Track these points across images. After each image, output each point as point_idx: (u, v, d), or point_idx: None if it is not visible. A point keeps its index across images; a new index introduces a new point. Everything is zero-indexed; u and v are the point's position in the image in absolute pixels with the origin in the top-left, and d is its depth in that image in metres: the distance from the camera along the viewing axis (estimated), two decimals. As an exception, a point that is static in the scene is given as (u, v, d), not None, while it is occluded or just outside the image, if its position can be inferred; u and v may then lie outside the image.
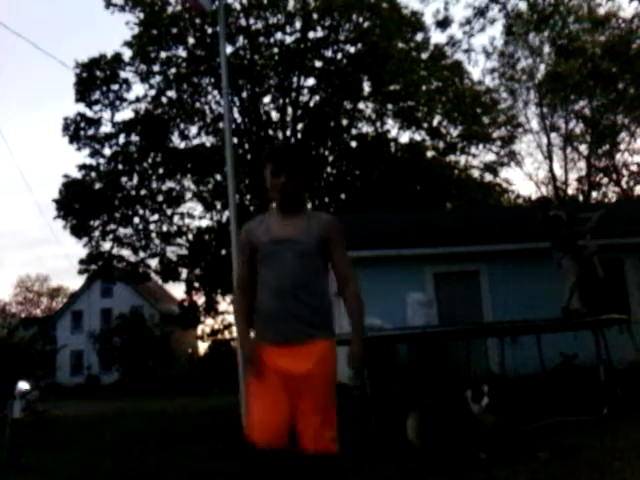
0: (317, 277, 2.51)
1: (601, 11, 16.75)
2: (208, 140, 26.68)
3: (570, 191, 29.98)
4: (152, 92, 26.07)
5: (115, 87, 25.89)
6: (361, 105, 27.36)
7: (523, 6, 13.49)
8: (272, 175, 2.54)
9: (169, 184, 27.15)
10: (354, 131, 27.63)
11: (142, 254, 27.23)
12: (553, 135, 29.40)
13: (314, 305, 2.46)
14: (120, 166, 26.15)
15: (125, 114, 55.58)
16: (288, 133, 26.61)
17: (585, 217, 9.08)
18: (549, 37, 16.90)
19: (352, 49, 26.18)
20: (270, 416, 2.38)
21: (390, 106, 26.71)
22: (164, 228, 27.43)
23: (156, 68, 25.75)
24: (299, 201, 2.58)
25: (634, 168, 28.83)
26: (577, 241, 8.51)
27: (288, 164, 2.52)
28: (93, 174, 26.26)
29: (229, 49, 23.00)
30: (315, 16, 25.20)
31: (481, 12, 13.13)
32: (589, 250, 8.75)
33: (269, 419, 2.38)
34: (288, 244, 2.47)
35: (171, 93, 26.28)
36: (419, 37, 26.12)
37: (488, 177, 28.46)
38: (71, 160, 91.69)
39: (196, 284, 28.15)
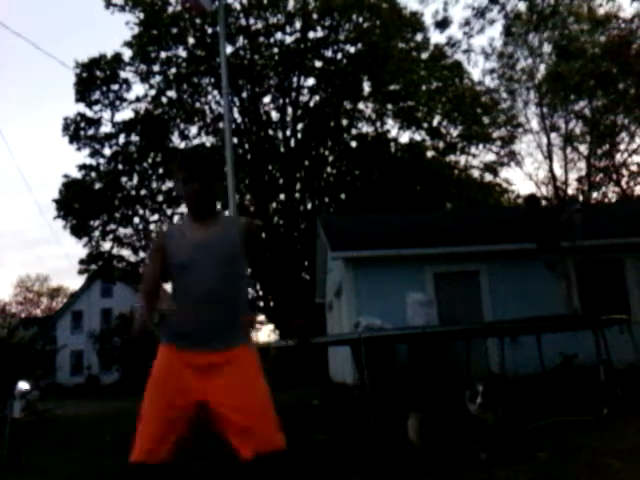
0: (237, 283, 2.48)
1: (601, 11, 16.76)
2: (208, 140, 26.69)
3: (570, 191, 29.99)
4: (152, 92, 26.12)
5: (115, 87, 25.90)
6: (361, 105, 27.39)
7: (522, 7, 13.50)
8: (184, 183, 2.50)
9: (169, 184, 27.13)
10: (354, 131, 27.66)
11: (142, 254, 27.23)
12: (553, 135, 29.41)
13: (233, 312, 2.44)
14: (120, 166, 26.16)
15: (125, 114, 55.67)
16: (288, 133, 26.64)
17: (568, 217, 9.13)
18: (550, 38, 16.93)
19: (352, 49, 26.21)
20: (156, 427, 2.29)
21: (390, 106, 26.73)
22: (164, 228, 27.41)
23: (156, 68, 25.78)
24: (213, 207, 2.56)
25: (634, 168, 28.85)
26: (561, 241, 8.58)
27: (201, 171, 2.49)
28: (93, 174, 26.27)
29: (229, 49, 23.02)
30: (315, 16, 25.22)
31: (481, 13, 13.14)
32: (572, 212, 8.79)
33: (154, 429, 2.29)
34: (206, 250, 2.42)
35: (171, 93, 26.31)
36: (419, 37, 26.18)
37: (488, 177, 28.51)
38: (71, 160, 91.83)
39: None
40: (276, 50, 25.66)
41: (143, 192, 26.64)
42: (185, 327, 2.40)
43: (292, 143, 26.48)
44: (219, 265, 2.40)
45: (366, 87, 26.72)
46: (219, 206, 2.72)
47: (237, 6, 24.66)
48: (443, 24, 14.18)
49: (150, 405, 2.37)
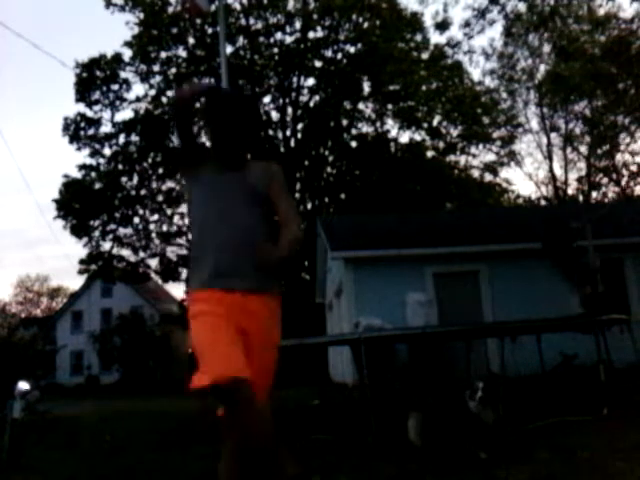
0: (260, 223, 2.29)
1: (601, 11, 16.74)
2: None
3: (570, 191, 30.02)
4: (152, 92, 26.14)
5: (115, 87, 25.93)
6: (361, 105, 27.41)
7: (522, 7, 13.47)
8: (211, 131, 2.35)
9: (169, 184, 27.19)
10: (354, 131, 27.68)
11: (142, 254, 27.26)
12: (553, 135, 29.43)
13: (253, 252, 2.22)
14: (120, 166, 26.17)
15: (125, 114, 55.77)
16: (288, 133, 26.64)
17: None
18: (549, 38, 16.92)
19: (352, 49, 26.22)
20: (234, 347, 2.07)
21: (390, 106, 26.74)
22: (164, 228, 27.46)
23: (156, 68, 25.80)
24: (239, 158, 2.39)
25: (634, 168, 28.86)
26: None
27: (230, 121, 2.32)
28: (93, 174, 26.29)
29: (229, 49, 23.02)
30: (315, 16, 25.21)
31: (481, 14, 13.12)
32: (594, 264, 8.88)
33: (235, 350, 2.06)
34: (231, 184, 2.29)
35: (171, 93, 26.30)
36: (419, 37, 26.18)
37: (488, 177, 28.53)
38: (71, 160, 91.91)
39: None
40: (276, 50, 25.66)
41: (143, 192, 26.65)
42: (208, 265, 2.22)
43: (292, 143, 26.49)
44: (241, 201, 2.27)
45: (366, 87, 26.75)
46: (248, 156, 2.48)
47: (237, 6, 24.69)
48: (443, 26, 14.14)
49: (208, 329, 2.13)
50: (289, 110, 26.64)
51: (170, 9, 24.48)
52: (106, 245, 26.66)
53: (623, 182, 29.43)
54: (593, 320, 6.45)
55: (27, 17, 64.27)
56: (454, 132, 27.38)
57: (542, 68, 25.52)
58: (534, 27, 13.84)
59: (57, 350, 35.71)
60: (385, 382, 8.09)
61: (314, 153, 26.70)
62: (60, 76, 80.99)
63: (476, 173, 28.42)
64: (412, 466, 4.15)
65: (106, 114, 26.20)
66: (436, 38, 61.18)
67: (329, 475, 4.11)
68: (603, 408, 5.54)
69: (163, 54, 25.45)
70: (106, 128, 26.32)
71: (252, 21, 25.31)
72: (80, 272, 27.30)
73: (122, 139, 26.32)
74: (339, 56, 26.45)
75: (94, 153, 26.33)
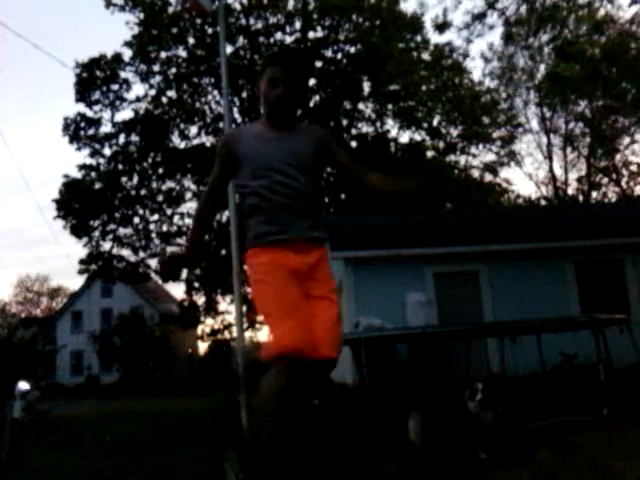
0: (314, 188, 2.38)
1: (601, 12, 16.73)
2: (208, 140, 26.72)
3: (570, 191, 30.05)
4: (152, 92, 26.15)
5: (115, 87, 25.93)
6: (361, 105, 27.40)
7: (523, 10, 13.45)
8: (269, 84, 2.28)
9: (169, 184, 27.19)
10: (354, 131, 27.67)
11: (142, 254, 27.26)
12: (553, 135, 29.45)
13: (314, 214, 2.37)
14: (120, 166, 26.17)
15: (125, 114, 55.75)
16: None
17: None
18: (548, 40, 16.94)
19: (352, 49, 26.21)
20: (299, 318, 2.15)
21: (390, 106, 26.74)
22: (164, 228, 27.46)
23: (156, 68, 25.80)
24: (293, 116, 2.38)
25: (634, 168, 28.87)
26: None
27: (292, 76, 2.26)
28: (93, 174, 26.29)
29: (229, 49, 23.03)
30: (315, 16, 25.22)
31: (479, 18, 13.14)
32: None
33: (298, 321, 2.14)
34: (283, 156, 2.29)
35: (171, 93, 26.33)
36: (419, 37, 26.20)
37: (488, 177, 28.53)
38: (71, 160, 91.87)
39: (196, 284, 28.17)
40: (276, 50, 25.67)
41: (143, 192, 26.65)
42: (269, 227, 2.29)
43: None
44: (295, 171, 2.29)
45: (366, 87, 26.74)
46: (296, 114, 2.47)
47: (237, 6, 24.69)
48: (443, 27, 14.13)
49: (277, 294, 2.22)
50: (289, 110, 26.64)
51: (170, 9, 24.51)
52: (106, 245, 26.70)
53: (623, 182, 29.47)
54: (593, 320, 6.45)
55: (27, 17, 64.35)
56: (454, 132, 27.40)
57: (542, 68, 25.56)
58: (534, 32, 13.85)
59: (57, 350, 35.75)
60: (385, 382, 8.09)
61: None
62: (60, 76, 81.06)
63: (476, 173, 28.47)
64: (412, 466, 4.15)
65: (106, 114, 26.25)
66: (436, 38, 61.21)
67: (329, 475, 4.12)
68: (603, 408, 5.54)
69: (163, 54, 25.46)
70: (106, 128, 26.36)
71: (252, 21, 25.32)
72: (80, 272, 27.33)
73: (122, 139, 26.35)
74: (339, 56, 26.46)
75: (94, 153, 26.34)
